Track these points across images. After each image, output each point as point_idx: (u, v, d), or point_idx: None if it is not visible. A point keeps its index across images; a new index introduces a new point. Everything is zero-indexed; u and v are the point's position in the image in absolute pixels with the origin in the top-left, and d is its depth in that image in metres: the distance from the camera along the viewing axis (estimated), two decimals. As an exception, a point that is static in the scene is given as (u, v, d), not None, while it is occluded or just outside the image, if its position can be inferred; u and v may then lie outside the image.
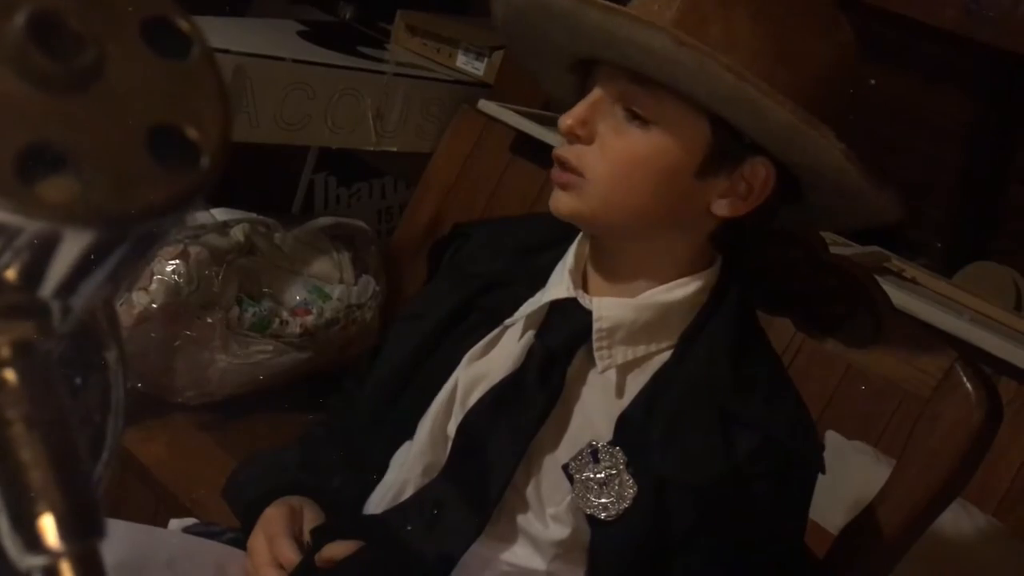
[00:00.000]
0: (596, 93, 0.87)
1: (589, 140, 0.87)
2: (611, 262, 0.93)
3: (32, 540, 0.31)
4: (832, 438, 1.51)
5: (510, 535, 0.93)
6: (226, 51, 1.75)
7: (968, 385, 0.98)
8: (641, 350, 0.91)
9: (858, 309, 1.03)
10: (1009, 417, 1.03)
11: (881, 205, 0.88)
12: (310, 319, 1.74)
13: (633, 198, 0.87)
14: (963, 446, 0.98)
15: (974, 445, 0.98)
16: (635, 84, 0.85)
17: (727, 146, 0.85)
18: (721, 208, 0.88)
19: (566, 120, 0.87)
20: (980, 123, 1.96)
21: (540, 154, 1.93)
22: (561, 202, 0.89)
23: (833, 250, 1.08)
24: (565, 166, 0.88)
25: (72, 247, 0.31)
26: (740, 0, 0.83)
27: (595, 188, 0.87)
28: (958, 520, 1.37)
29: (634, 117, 0.86)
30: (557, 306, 0.94)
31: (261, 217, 1.78)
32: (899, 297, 1.47)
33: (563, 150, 0.88)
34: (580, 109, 0.87)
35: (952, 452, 0.98)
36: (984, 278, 1.84)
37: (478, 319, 0.99)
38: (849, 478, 1.30)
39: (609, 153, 0.87)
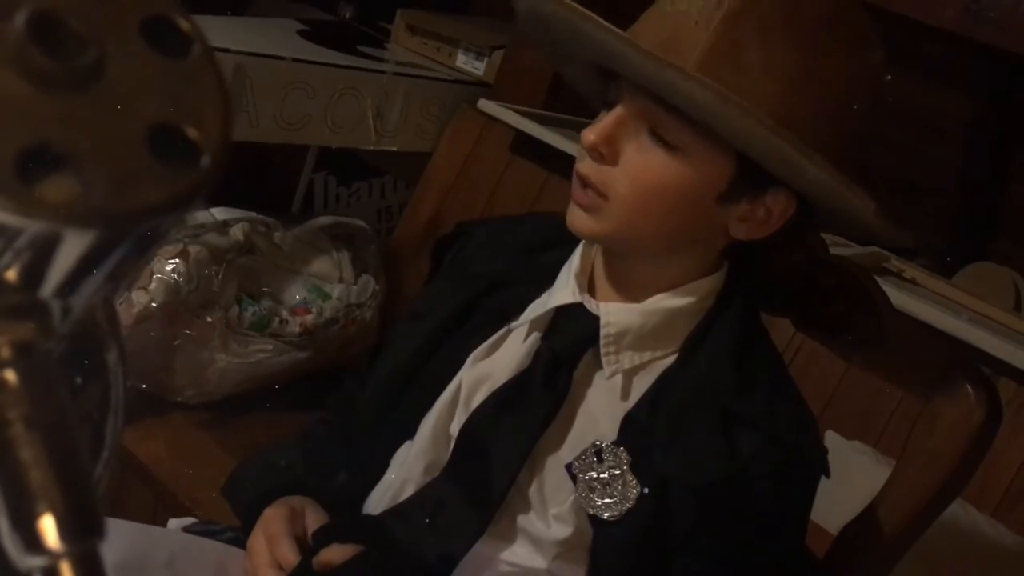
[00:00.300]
0: (620, 111, 0.85)
1: (613, 161, 0.85)
2: (622, 271, 0.92)
3: (32, 540, 0.31)
4: (832, 438, 1.51)
5: (511, 534, 0.93)
6: (226, 50, 1.75)
7: (968, 385, 0.98)
8: (647, 355, 0.91)
9: (858, 309, 1.03)
10: (1009, 417, 1.03)
11: (892, 237, 0.89)
12: (310, 318, 1.74)
13: (653, 221, 0.86)
14: (963, 446, 0.98)
15: (974, 445, 0.98)
16: (661, 107, 0.82)
17: (752, 178, 0.84)
18: (739, 231, 0.88)
19: (589, 136, 0.85)
20: (980, 123, 1.95)
21: (540, 154, 1.93)
22: (579, 221, 0.87)
23: (833, 250, 1.07)
24: (588, 185, 0.86)
25: (72, 247, 0.31)
26: (778, 23, 0.81)
27: (615, 210, 0.85)
28: (958, 520, 1.37)
29: (659, 139, 0.84)
30: (563, 309, 0.93)
31: (261, 216, 1.78)
32: (899, 297, 1.47)
33: (585, 167, 0.86)
34: (605, 126, 0.85)
35: (952, 452, 0.98)
36: (984, 278, 1.84)
37: (482, 319, 0.98)
38: (849, 478, 1.29)
39: (631, 172, 0.85)
